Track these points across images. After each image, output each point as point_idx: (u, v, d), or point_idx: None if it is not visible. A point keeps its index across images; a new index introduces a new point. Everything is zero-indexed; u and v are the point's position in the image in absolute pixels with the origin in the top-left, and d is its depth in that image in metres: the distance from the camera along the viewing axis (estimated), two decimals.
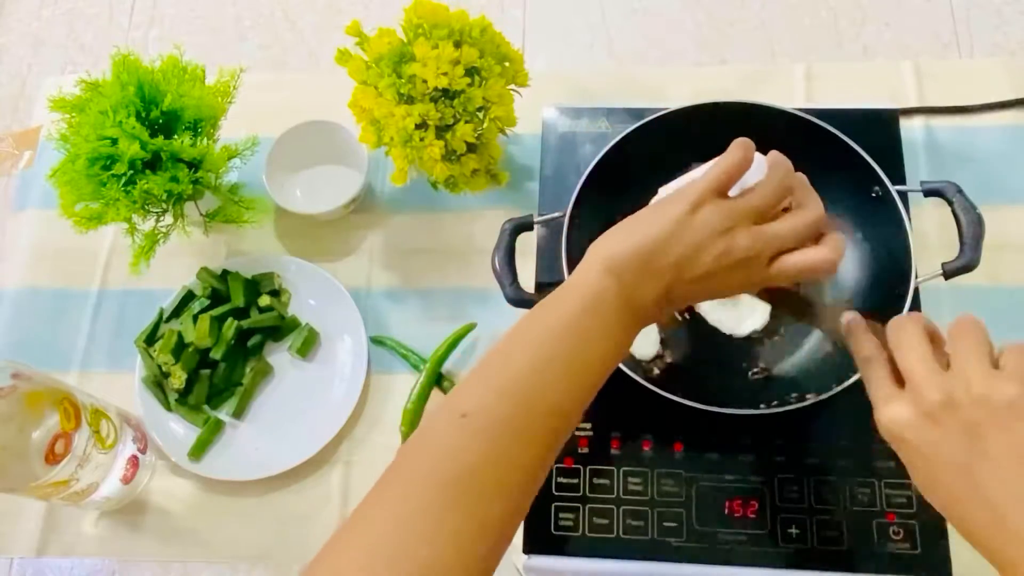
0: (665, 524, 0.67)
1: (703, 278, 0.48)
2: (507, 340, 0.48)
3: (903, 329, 0.47)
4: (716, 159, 0.49)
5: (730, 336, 0.72)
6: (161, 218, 0.76)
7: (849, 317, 0.52)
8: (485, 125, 0.74)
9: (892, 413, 0.46)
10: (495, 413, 0.44)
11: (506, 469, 0.44)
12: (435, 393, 0.77)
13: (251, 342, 0.79)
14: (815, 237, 0.50)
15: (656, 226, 0.48)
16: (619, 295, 0.47)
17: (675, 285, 0.48)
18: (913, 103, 0.84)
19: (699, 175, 0.49)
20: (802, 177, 0.51)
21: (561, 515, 0.68)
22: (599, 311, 0.47)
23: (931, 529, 0.65)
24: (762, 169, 0.50)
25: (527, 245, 0.76)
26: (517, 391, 0.45)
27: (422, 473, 0.43)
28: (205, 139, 0.75)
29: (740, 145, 0.49)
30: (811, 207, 0.49)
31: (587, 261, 0.49)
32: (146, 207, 0.73)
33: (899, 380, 0.47)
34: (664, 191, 0.57)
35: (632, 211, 0.52)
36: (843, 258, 0.49)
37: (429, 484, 0.42)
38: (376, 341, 0.80)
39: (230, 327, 0.78)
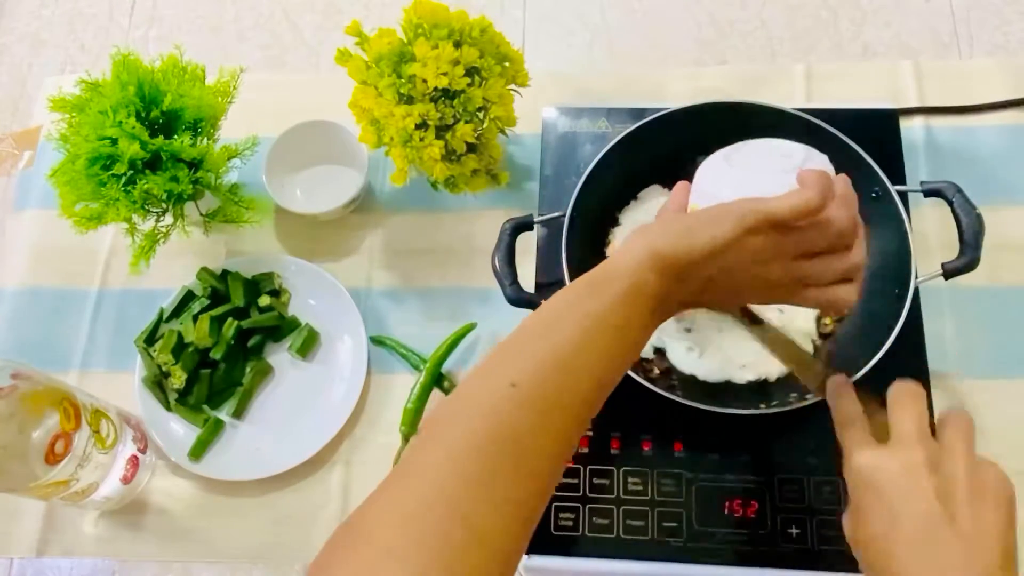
0: (665, 524, 0.67)
1: (728, 292, 0.50)
2: (549, 315, 0.48)
3: (907, 391, 0.49)
4: (797, 181, 0.48)
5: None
6: (161, 218, 0.76)
7: (839, 380, 0.53)
8: (485, 125, 0.74)
9: (871, 459, 0.47)
10: (543, 385, 0.44)
11: (552, 440, 0.44)
12: (435, 393, 0.77)
13: (251, 342, 0.79)
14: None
15: (707, 238, 0.47)
16: (656, 292, 0.48)
17: (702, 293, 0.50)
18: (913, 103, 0.84)
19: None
20: (859, 221, 0.50)
21: (561, 515, 0.68)
22: (638, 303, 0.48)
23: None
24: (824, 167, 0.50)
25: (527, 245, 0.76)
26: (564, 367, 0.45)
27: (470, 436, 0.42)
28: (205, 139, 0.75)
29: (817, 186, 0.47)
30: (855, 254, 0.50)
31: (636, 249, 0.48)
32: (146, 207, 0.73)
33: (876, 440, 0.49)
34: (712, 161, 0.56)
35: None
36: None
37: (479, 449, 0.42)
38: (376, 341, 0.80)
39: (230, 327, 0.78)
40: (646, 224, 0.51)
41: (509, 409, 0.43)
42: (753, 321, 0.60)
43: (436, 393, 0.77)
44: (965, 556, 0.42)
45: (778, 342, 0.59)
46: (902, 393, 0.49)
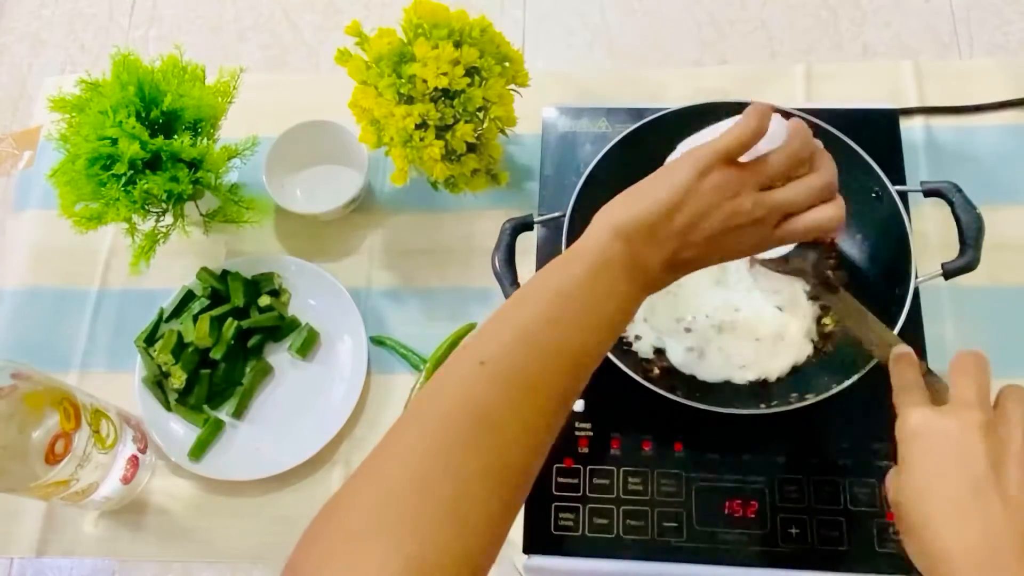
0: (665, 524, 0.67)
1: (708, 242, 0.49)
2: (519, 296, 0.49)
3: (973, 358, 0.50)
4: (732, 122, 0.49)
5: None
6: (161, 218, 0.76)
7: (904, 349, 0.54)
8: (485, 125, 0.74)
9: (929, 417, 0.47)
10: (511, 360, 0.45)
11: (527, 413, 0.44)
12: None
13: (251, 342, 0.79)
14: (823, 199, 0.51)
15: (663, 192, 0.48)
16: (626, 260, 0.48)
17: (681, 250, 0.49)
18: (913, 103, 0.84)
19: (713, 135, 0.50)
20: (818, 143, 0.51)
21: (561, 515, 0.68)
22: (608, 274, 0.48)
23: None
24: (781, 134, 0.50)
25: (527, 245, 0.76)
26: (533, 341, 0.46)
27: (442, 415, 0.43)
28: (205, 139, 0.75)
29: (756, 113, 0.48)
30: (822, 172, 0.50)
31: (595, 226, 0.50)
32: (146, 207, 0.73)
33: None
34: (683, 147, 0.57)
35: None
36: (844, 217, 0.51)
37: (450, 426, 0.42)
38: (376, 341, 0.80)
39: (230, 327, 0.78)
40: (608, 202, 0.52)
41: (478, 386, 0.44)
42: (828, 289, 0.62)
43: None
44: (1006, 518, 0.43)
45: (851, 311, 0.61)
46: (967, 360, 0.49)
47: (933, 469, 0.46)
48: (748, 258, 0.66)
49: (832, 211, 0.50)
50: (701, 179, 0.48)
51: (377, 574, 0.36)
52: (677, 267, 0.50)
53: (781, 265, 0.70)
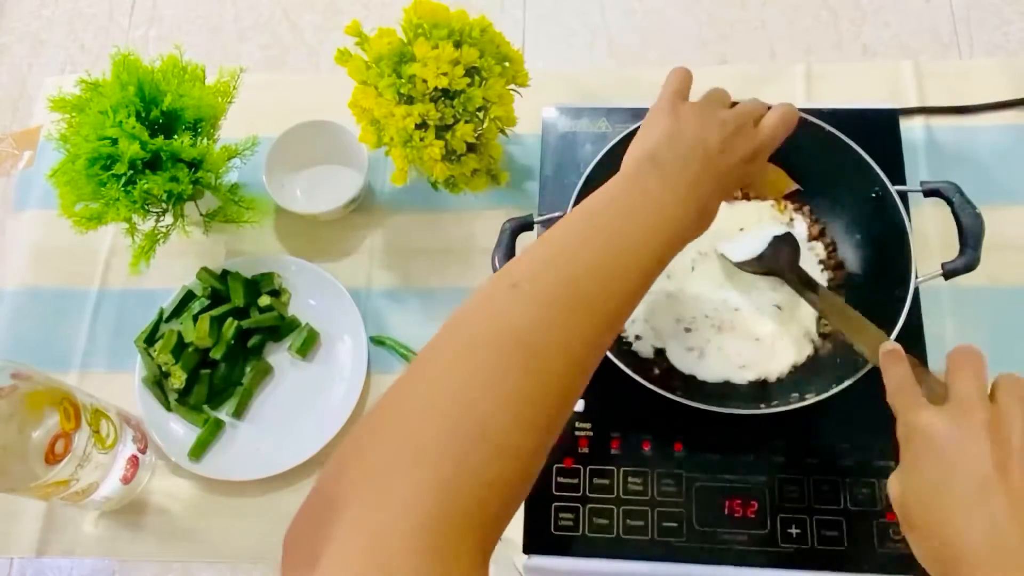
0: (665, 524, 0.67)
1: (725, 149, 0.53)
2: (553, 227, 0.49)
3: (969, 354, 0.49)
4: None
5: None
6: (161, 218, 0.76)
7: (891, 346, 0.54)
8: (485, 125, 0.74)
9: (931, 418, 0.47)
10: (544, 280, 0.45)
11: (562, 333, 0.43)
12: None
13: (251, 342, 0.79)
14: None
15: (659, 127, 0.53)
16: (660, 172, 0.51)
17: (711, 157, 0.52)
18: (913, 103, 0.84)
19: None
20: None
21: (561, 515, 0.68)
22: (639, 187, 0.50)
23: None
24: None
25: (527, 245, 0.76)
26: (563, 262, 0.46)
27: (478, 335, 0.43)
28: (205, 139, 0.75)
29: (678, 68, 0.58)
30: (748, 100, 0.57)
31: (632, 152, 0.54)
32: (146, 207, 0.73)
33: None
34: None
35: None
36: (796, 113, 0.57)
37: (486, 345, 0.42)
38: (376, 341, 0.80)
39: (230, 327, 0.78)
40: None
41: (513, 308, 0.43)
42: (808, 287, 0.64)
43: None
44: (1012, 514, 0.43)
45: (834, 308, 0.62)
46: (964, 356, 0.49)
47: (938, 470, 0.46)
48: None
49: (784, 106, 0.57)
50: (676, 112, 0.54)
51: (410, 498, 0.36)
52: (715, 176, 0.52)
53: (755, 265, 0.70)
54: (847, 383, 0.62)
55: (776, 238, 0.70)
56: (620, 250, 0.47)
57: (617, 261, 0.47)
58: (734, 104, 0.57)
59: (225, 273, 0.81)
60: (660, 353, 0.72)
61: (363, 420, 0.41)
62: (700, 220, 0.52)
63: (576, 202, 0.69)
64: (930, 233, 0.77)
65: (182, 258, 0.84)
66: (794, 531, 0.66)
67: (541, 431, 0.42)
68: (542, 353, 0.42)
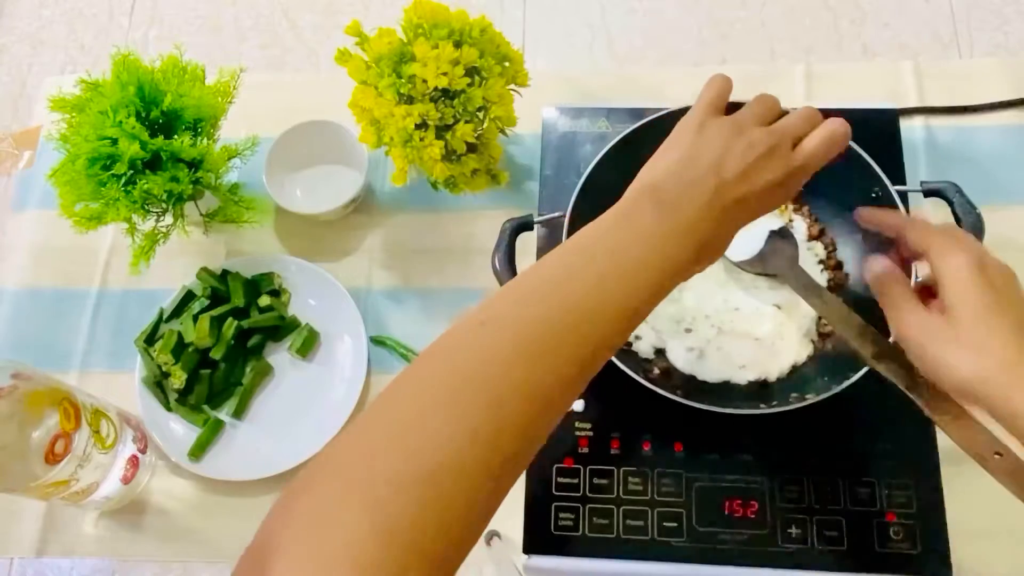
0: (665, 524, 0.67)
1: (743, 178, 0.48)
2: (540, 261, 0.47)
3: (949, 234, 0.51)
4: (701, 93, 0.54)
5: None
6: (161, 218, 0.76)
7: (884, 265, 0.54)
8: (485, 125, 0.74)
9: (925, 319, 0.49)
10: (513, 319, 0.43)
11: (524, 374, 0.41)
12: None
13: (251, 342, 0.79)
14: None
15: (677, 150, 0.50)
16: (659, 208, 0.47)
17: (722, 189, 0.47)
18: (913, 103, 0.84)
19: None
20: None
21: (561, 515, 0.68)
22: (633, 222, 0.47)
23: (931, 529, 0.65)
24: None
25: (527, 245, 0.76)
26: (538, 300, 0.44)
27: (435, 374, 0.41)
28: (205, 139, 0.75)
29: (719, 75, 0.54)
30: (799, 110, 0.53)
31: (631, 188, 0.50)
32: (146, 207, 0.73)
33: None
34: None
35: None
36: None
37: (441, 385, 0.40)
38: (376, 341, 0.80)
39: (230, 327, 0.78)
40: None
41: (473, 346, 0.42)
42: (810, 291, 0.62)
43: None
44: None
45: (833, 308, 0.60)
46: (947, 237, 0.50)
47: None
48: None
49: (835, 123, 0.51)
50: (702, 130, 0.50)
51: (352, 543, 0.35)
52: (723, 211, 0.48)
53: (755, 265, 0.70)
54: (847, 383, 0.62)
55: (774, 236, 0.70)
56: (600, 292, 0.44)
57: (595, 303, 0.44)
58: (785, 113, 0.53)
59: (225, 273, 0.81)
60: (660, 353, 0.72)
61: (317, 455, 0.40)
62: (700, 258, 0.48)
63: (576, 202, 0.69)
64: None
65: (182, 258, 0.84)
66: (794, 531, 0.66)
67: (494, 473, 0.39)
68: (500, 393, 0.40)
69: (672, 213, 0.47)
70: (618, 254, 0.45)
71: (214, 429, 0.76)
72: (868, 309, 0.61)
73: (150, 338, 0.79)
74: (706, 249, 0.48)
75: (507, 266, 0.70)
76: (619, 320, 0.45)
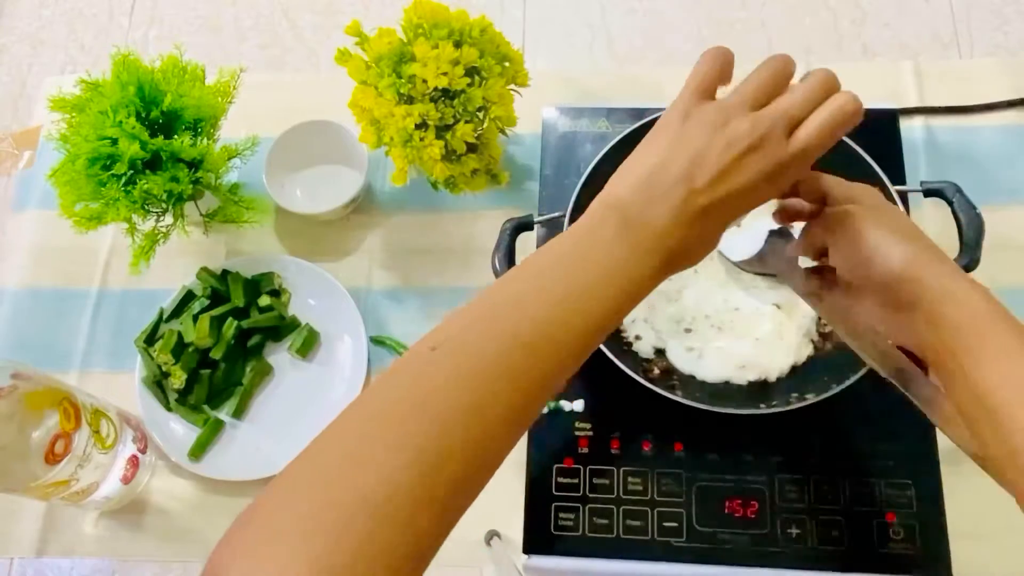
0: (665, 524, 0.67)
1: (719, 180, 0.43)
2: (497, 281, 0.45)
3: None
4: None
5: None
6: (161, 218, 0.76)
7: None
8: (485, 125, 0.74)
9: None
10: (462, 343, 0.41)
11: (473, 400, 0.39)
12: None
13: (251, 342, 0.79)
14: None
15: (652, 152, 0.45)
16: (623, 222, 0.43)
17: (692, 197, 0.43)
18: (913, 103, 0.84)
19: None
20: (787, 58, 0.49)
21: (561, 515, 0.68)
22: (595, 240, 0.44)
23: (931, 529, 0.65)
24: None
25: (527, 245, 0.76)
26: (490, 322, 0.42)
27: (380, 402, 0.40)
28: (205, 139, 0.75)
29: (713, 49, 0.48)
30: (815, 72, 0.47)
31: (591, 207, 0.46)
32: (146, 207, 0.73)
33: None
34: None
35: None
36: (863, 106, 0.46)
37: (384, 412, 0.39)
38: (376, 341, 0.80)
39: (230, 327, 0.78)
40: None
41: (421, 372, 0.41)
42: (812, 294, 0.60)
43: None
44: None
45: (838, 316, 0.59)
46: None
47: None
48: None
49: (842, 98, 0.46)
50: (685, 121, 0.45)
51: (284, 574, 0.34)
52: (694, 218, 0.44)
53: (755, 264, 0.70)
54: (847, 383, 0.62)
55: (774, 236, 0.70)
56: (561, 312, 0.42)
57: (553, 327, 0.42)
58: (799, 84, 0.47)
59: (225, 273, 0.81)
60: (660, 353, 0.72)
61: (270, 482, 0.39)
62: (670, 268, 0.45)
63: (576, 202, 0.69)
64: (930, 233, 0.74)
65: (182, 258, 0.84)
66: (794, 531, 0.66)
67: (437, 501, 0.38)
68: (446, 419, 0.39)
69: (638, 230, 0.43)
70: (578, 276, 0.43)
71: (214, 429, 0.76)
72: None
73: (150, 338, 0.79)
74: (677, 258, 0.45)
75: (507, 266, 0.70)
76: (578, 341, 0.43)
